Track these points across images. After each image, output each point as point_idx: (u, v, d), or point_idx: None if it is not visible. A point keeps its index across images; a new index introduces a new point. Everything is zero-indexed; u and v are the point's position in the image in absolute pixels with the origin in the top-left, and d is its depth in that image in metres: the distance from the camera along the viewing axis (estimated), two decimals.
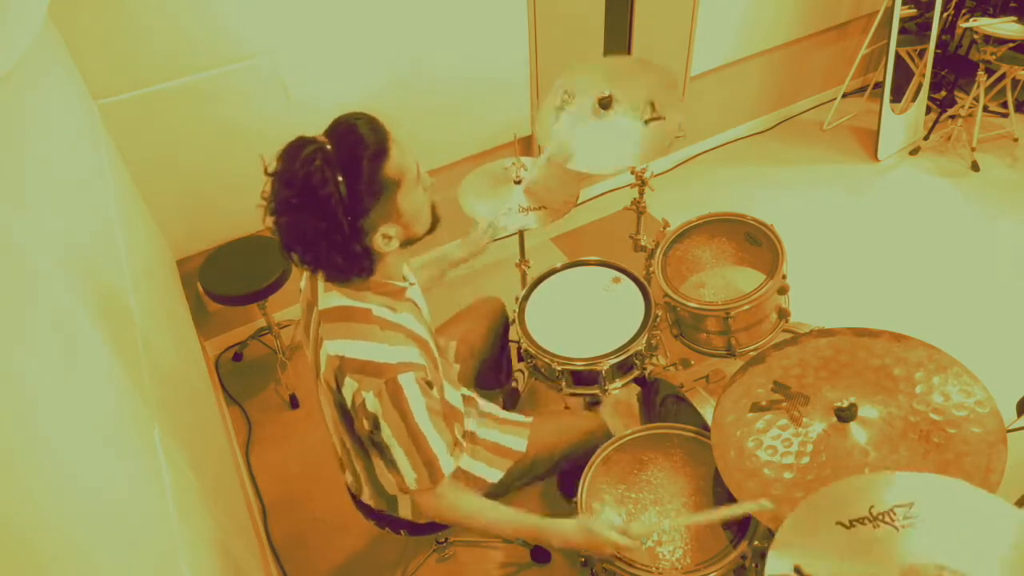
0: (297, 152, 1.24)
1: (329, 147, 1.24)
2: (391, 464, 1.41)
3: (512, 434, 1.78)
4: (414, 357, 1.37)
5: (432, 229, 1.46)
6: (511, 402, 2.41)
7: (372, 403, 1.33)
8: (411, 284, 1.53)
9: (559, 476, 2.14)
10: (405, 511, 1.68)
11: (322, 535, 2.33)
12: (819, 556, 1.11)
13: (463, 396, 1.76)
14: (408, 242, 1.42)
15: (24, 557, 0.75)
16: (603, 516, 1.51)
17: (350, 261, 1.31)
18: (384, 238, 1.33)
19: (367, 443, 1.49)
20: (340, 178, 1.23)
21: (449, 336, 1.99)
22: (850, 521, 1.13)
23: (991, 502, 1.12)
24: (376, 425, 1.36)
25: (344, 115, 1.30)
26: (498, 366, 2.22)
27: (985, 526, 1.09)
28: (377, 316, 1.38)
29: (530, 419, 1.84)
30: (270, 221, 1.30)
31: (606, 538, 1.42)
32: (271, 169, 1.28)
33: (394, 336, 1.38)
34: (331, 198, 1.23)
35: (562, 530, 1.47)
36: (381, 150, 1.27)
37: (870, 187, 3.59)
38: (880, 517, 1.12)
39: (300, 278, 1.56)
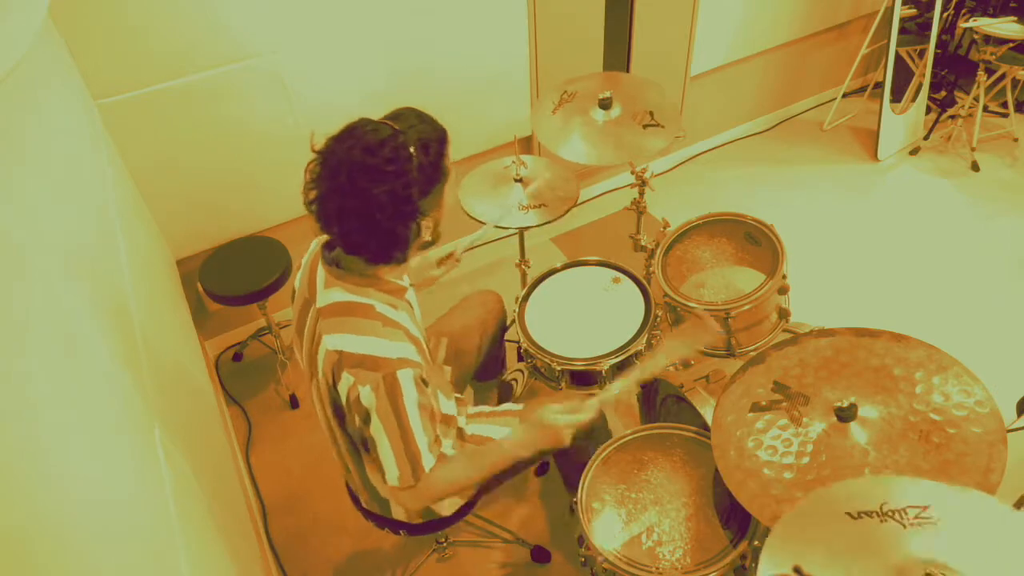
0: (373, 128, 1.30)
1: (400, 128, 1.31)
2: (376, 460, 1.41)
3: (501, 425, 1.77)
4: (412, 355, 1.38)
5: (434, 241, 1.50)
6: (504, 395, 2.41)
7: (367, 397, 1.33)
8: (409, 286, 1.54)
9: (561, 470, 2.13)
10: (399, 513, 1.67)
11: (322, 535, 2.33)
12: (817, 548, 1.11)
13: (455, 399, 1.76)
14: (423, 244, 1.46)
15: (24, 557, 0.75)
16: (548, 405, 1.51)
17: (408, 235, 1.35)
18: (425, 227, 1.39)
19: (358, 442, 1.49)
20: (415, 157, 1.30)
21: (443, 331, 1.98)
22: (858, 512, 1.13)
23: (1010, 516, 1.11)
24: (367, 420, 1.36)
25: (405, 107, 1.38)
26: (494, 359, 2.22)
27: (1001, 538, 1.09)
28: (379, 312, 1.39)
29: (520, 407, 1.83)
30: (316, 193, 1.33)
31: (558, 424, 1.46)
32: (318, 147, 1.32)
33: (394, 332, 1.38)
34: (410, 173, 1.29)
35: (518, 440, 1.51)
36: (445, 139, 1.37)
37: (870, 187, 3.59)
38: (890, 514, 1.12)
39: (297, 276, 1.57)
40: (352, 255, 1.40)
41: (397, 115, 1.36)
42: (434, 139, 1.34)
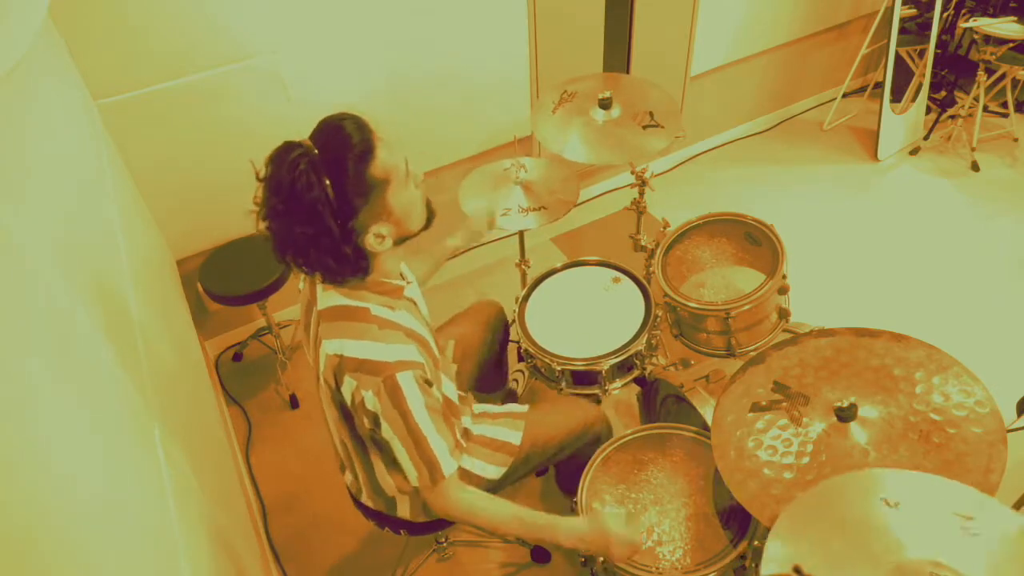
0: (283, 157, 1.25)
1: (314, 151, 1.25)
2: (392, 463, 1.41)
3: (506, 426, 1.77)
4: (412, 355, 1.37)
5: (428, 225, 1.46)
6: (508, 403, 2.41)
7: (371, 401, 1.33)
8: (408, 283, 1.53)
9: (557, 471, 2.13)
10: (404, 511, 1.67)
11: (322, 535, 2.33)
12: (822, 545, 1.10)
13: (460, 396, 1.76)
14: (402, 239, 1.41)
15: (25, 557, 0.75)
16: (612, 514, 1.50)
17: (342, 263, 1.32)
18: (377, 238, 1.33)
19: (368, 442, 1.49)
20: (327, 181, 1.23)
21: (448, 337, 1.99)
22: (895, 501, 1.13)
23: None
24: (377, 423, 1.36)
25: (329, 116, 1.30)
26: (496, 370, 2.22)
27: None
28: (375, 315, 1.39)
29: (525, 408, 1.83)
30: (262, 226, 1.31)
31: (619, 536, 1.43)
32: (262, 175, 1.28)
33: (392, 334, 1.38)
34: (317, 203, 1.23)
35: (573, 526, 1.47)
36: (366, 150, 1.27)
37: (870, 187, 3.59)
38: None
39: (300, 278, 1.57)
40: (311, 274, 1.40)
41: (318, 130, 1.29)
42: (349, 156, 1.25)
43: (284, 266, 2.44)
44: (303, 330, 1.53)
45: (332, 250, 1.29)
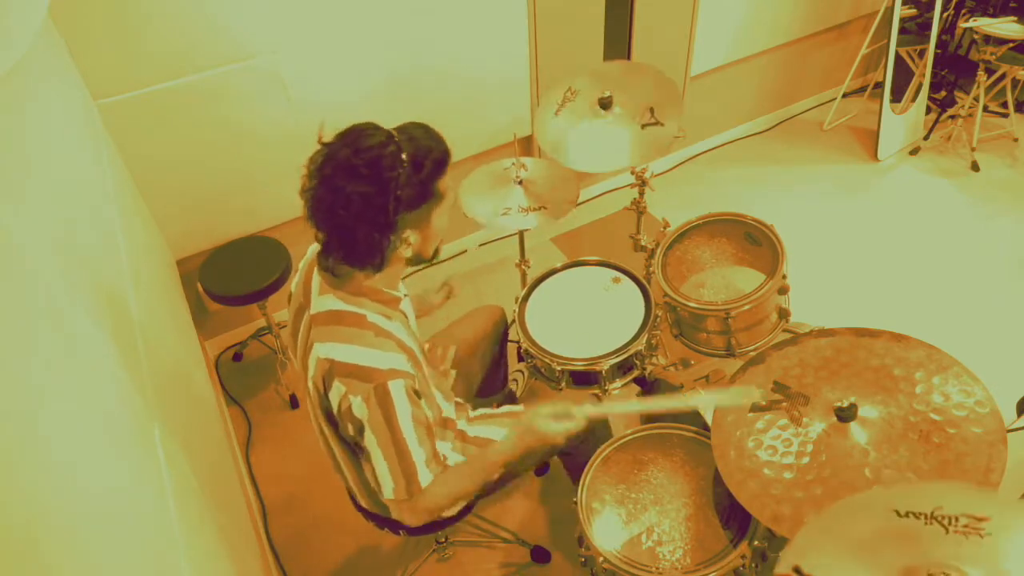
0: (371, 132, 1.31)
1: (399, 139, 1.31)
2: (373, 471, 1.41)
3: (503, 426, 1.76)
4: (404, 365, 1.38)
5: (432, 259, 1.50)
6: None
7: (359, 408, 1.33)
8: (404, 296, 1.54)
9: (564, 461, 2.12)
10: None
11: (322, 535, 2.33)
12: (828, 546, 1.10)
13: (455, 403, 1.76)
14: (415, 259, 1.45)
15: (25, 557, 0.75)
16: (539, 410, 1.50)
17: (380, 244, 1.34)
18: (405, 243, 1.37)
19: (354, 447, 1.49)
20: (403, 168, 1.29)
21: (449, 342, 1.98)
22: (906, 512, 1.11)
23: None
24: (360, 431, 1.36)
25: (414, 122, 1.38)
26: (496, 373, 2.22)
27: None
28: (371, 322, 1.39)
29: (521, 408, 1.83)
30: (309, 184, 1.33)
31: (548, 431, 1.47)
32: (326, 139, 1.33)
33: (386, 343, 1.38)
34: (392, 182, 1.28)
35: (512, 444, 1.51)
36: (443, 161, 1.36)
37: (870, 187, 3.59)
38: (940, 519, 1.10)
39: (293, 281, 1.57)
40: (327, 255, 1.40)
41: (403, 127, 1.36)
42: (430, 158, 1.32)
43: (289, 260, 2.46)
44: (290, 336, 1.53)
45: (380, 227, 1.32)
